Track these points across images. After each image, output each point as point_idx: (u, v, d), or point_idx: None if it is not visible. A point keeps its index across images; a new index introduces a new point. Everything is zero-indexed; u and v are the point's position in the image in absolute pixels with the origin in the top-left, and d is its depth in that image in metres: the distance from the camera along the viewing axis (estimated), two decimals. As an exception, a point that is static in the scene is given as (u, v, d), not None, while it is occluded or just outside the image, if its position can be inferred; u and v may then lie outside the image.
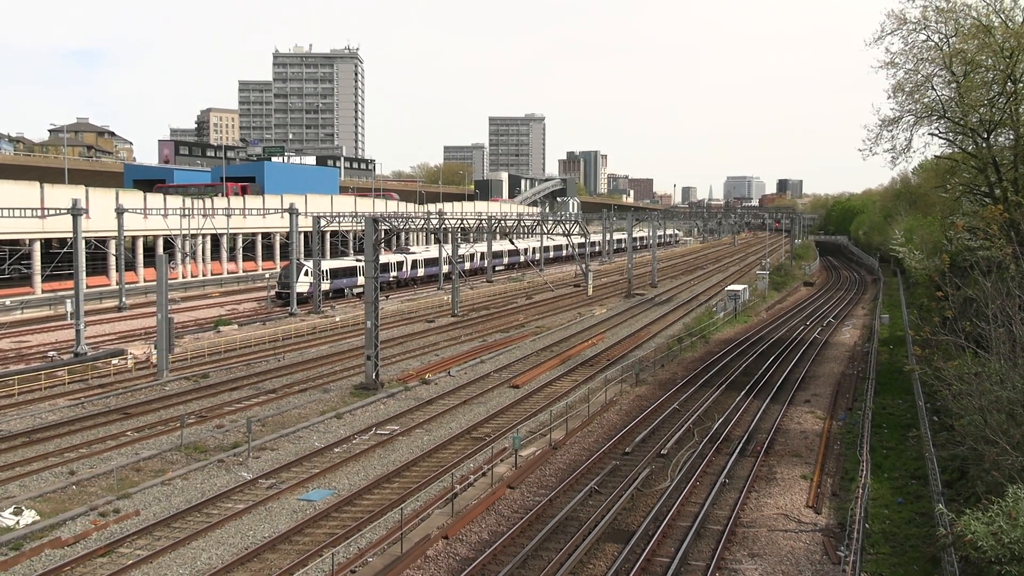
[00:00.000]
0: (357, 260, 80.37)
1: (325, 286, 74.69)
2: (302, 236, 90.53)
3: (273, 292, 74.42)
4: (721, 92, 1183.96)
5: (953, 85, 40.01)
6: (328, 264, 78.50)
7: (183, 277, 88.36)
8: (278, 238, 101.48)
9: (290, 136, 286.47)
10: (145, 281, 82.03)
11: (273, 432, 34.57)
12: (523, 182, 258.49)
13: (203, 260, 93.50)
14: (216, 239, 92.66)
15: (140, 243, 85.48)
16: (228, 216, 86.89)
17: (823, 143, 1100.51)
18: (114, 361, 47.06)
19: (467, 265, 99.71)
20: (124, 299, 70.51)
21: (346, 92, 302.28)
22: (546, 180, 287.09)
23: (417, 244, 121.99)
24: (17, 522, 24.55)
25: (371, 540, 23.73)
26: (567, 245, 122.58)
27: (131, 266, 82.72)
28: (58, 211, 55.19)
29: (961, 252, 39.43)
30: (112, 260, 78.59)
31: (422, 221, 67.85)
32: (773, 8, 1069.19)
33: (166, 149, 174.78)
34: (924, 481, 28.64)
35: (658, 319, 71.09)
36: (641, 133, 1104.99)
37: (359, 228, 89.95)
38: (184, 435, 32.94)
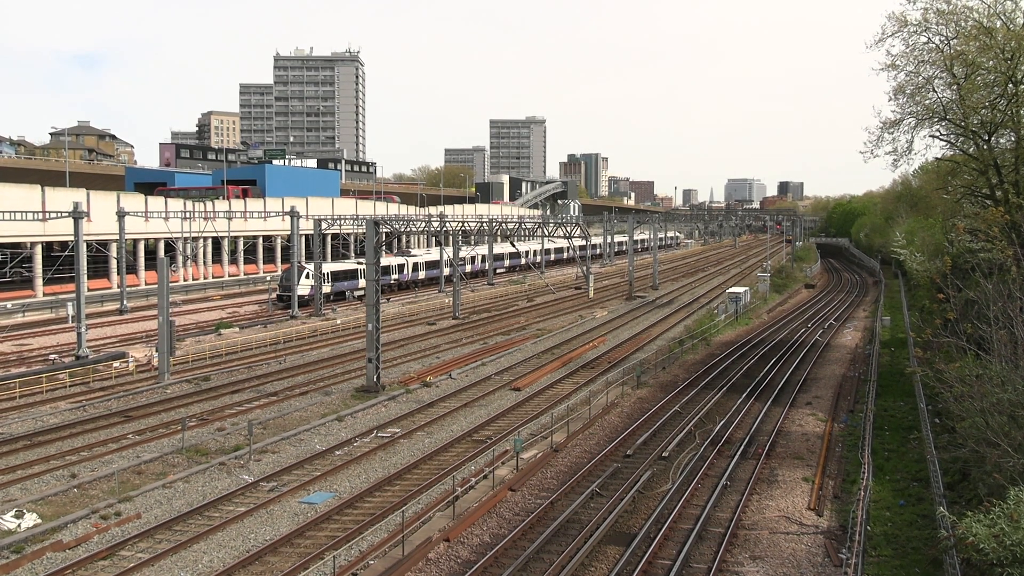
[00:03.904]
0: (358, 263, 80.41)
1: (326, 289, 74.75)
2: (303, 239, 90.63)
3: (274, 295, 74.46)
4: (722, 94, 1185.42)
5: (954, 87, 40.03)
6: (329, 267, 78.55)
7: (184, 280, 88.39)
8: (279, 241, 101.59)
9: (291, 139, 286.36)
10: (146, 284, 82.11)
11: (274, 435, 34.57)
12: (524, 184, 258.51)
13: (204, 263, 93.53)
14: (217, 242, 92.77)
15: (141, 246, 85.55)
16: (229, 219, 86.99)
17: (824, 145, 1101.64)
18: (115, 364, 47.11)
19: (468, 268, 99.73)
20: (125, 302, 70.58)
21: (347, 95, 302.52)
22: (547, 183, 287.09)
23: (418, 247, 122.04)
24: (18, 525, 24.56)
25: (372, 543, 23.71)
26: (568, 247, 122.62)
27: (132, 269, 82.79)
28: (59, 214, 55.23)
29: (962, 254, 39.44)
30: (113, 263, 78.67)
31: (423, 224, 67.80)
32: (773, 11, 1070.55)
33: (167, 152, 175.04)
34: (926, 483, 28.60)
35: (659, 321, 71.07)
36: (642, 136, 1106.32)
37: (360, 231, 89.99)
38: (185, 438, 32.93)
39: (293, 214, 72.58)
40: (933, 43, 40.40)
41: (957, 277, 30.65)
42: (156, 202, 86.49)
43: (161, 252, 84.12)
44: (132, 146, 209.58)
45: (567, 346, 57.35)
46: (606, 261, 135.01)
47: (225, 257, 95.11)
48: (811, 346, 59.42)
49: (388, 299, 79.12)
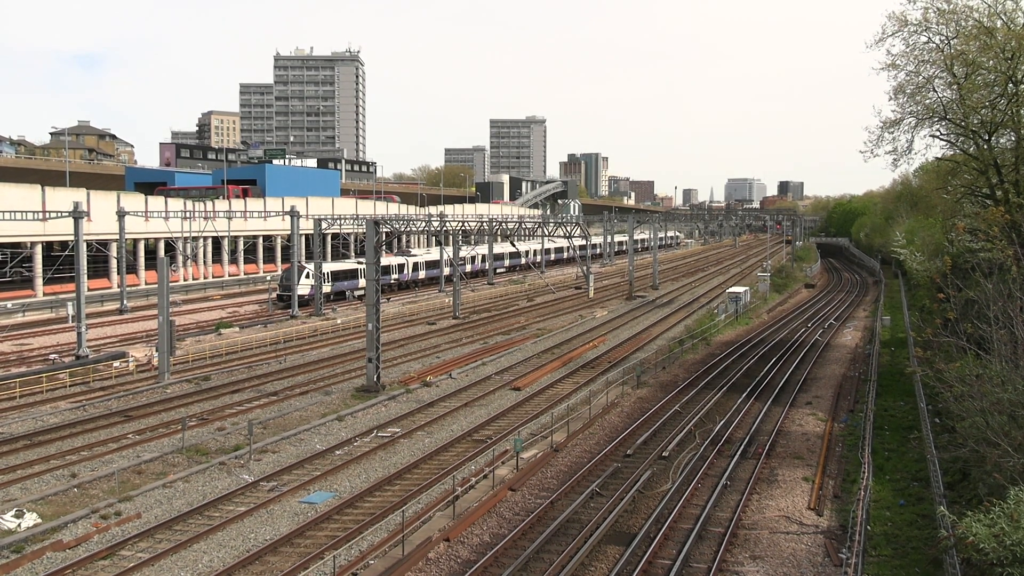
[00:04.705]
0: (358, 262, 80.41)
1: (326, 288, 74.73)
2: (303, 239, 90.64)
3: (274, 295, 74.46)
4: (722, 94, 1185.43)
5: (954, 87, 40.02)
6: (329, 267, 78.53)
7: (184, 280, 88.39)
8: (279, 241, 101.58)
9: (291, 138, 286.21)
10: (146, 284, 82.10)
11: (274, 434, 34.57)
12: (524, 184, 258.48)
13: (204, 263, 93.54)
14: (217, 242, 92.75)
15: (141, 246, 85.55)
16: (229, 219, 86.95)
17: (824, 145, 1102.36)
18: (115, 364, 47.10)
19: (468, 267, 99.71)
20: (125, 302, 70.59)
21: (347, 94, 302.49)
22: (547, 182, 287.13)
23: (418, 246, 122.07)
24: (19, 525, 24.56)
25: (372, 543, 23.72)
26: (568, 247, 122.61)
27: (132, 269, 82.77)
28: (59, 214, 55.24)
29: (962, 254, 39.46)
30: (113, 263, 78.66)
31: (423, 223, 67.80)
32: (774, 10, 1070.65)
33: (167, 152, 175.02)
34: (926, 483, 28.61)
35: (659, 321, 71.07)
36: (642, 136, 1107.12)
37: (360, 230, 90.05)
38: (185, 437, 32.94)
39: (293, 214, 72.59)
40: (933, 43, 40.42)
41: (957, 277, 30.62)
42: (156, 202, 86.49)
43: (161, 252, 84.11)
44: (132, 146, 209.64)
45: (567, 346, 57.34)
46: (606, 261, 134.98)
47: (225, 257, 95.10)
48: (811, 346, 59.42)
49: (388, 299, 79.10)
